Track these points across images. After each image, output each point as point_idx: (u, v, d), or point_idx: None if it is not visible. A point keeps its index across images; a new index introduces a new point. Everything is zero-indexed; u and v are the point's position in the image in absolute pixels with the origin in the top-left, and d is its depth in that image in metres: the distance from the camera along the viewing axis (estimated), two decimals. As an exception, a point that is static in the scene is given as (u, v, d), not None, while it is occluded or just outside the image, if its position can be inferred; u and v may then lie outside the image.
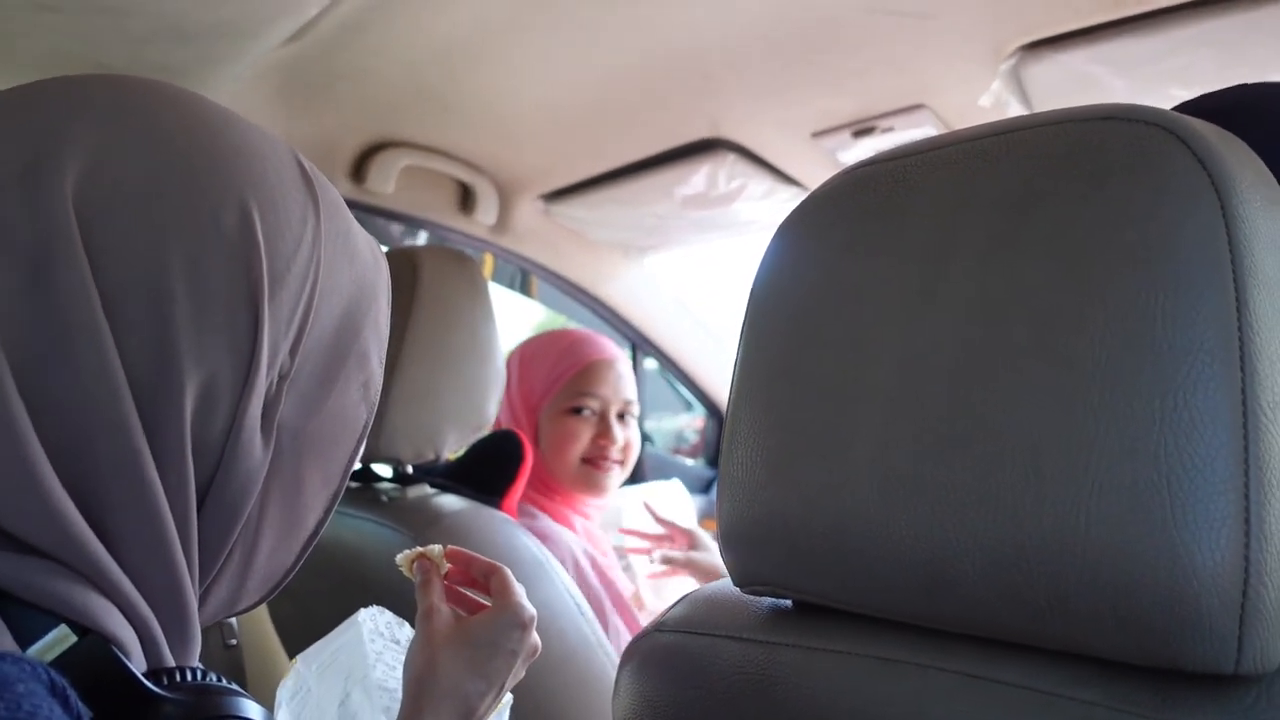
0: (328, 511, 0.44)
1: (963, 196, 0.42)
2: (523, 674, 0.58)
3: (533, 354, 1.34)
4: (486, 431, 1.14)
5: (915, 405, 0.41)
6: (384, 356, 0.45)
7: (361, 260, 0.43)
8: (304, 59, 1.04)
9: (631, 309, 1.75)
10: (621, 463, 1.31)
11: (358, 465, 0.55)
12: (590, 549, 1.24)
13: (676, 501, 1.46)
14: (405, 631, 0.69)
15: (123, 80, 0.39)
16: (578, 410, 1.29)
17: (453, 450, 1.11)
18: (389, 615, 0.69)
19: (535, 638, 0.59)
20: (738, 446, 0.49)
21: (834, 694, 0.45)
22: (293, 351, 0.39)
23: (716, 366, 1.89)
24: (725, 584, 0.55)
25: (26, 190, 0.34)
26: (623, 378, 1.32)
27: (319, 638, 0.95)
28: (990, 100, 0.97)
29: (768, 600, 0.52)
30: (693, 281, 1.85)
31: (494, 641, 0.56)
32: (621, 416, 1.32)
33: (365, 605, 1.09)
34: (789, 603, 0.51)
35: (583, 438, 1.28)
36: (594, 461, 1.29)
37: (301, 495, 0.42)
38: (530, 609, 0.59)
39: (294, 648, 1.25)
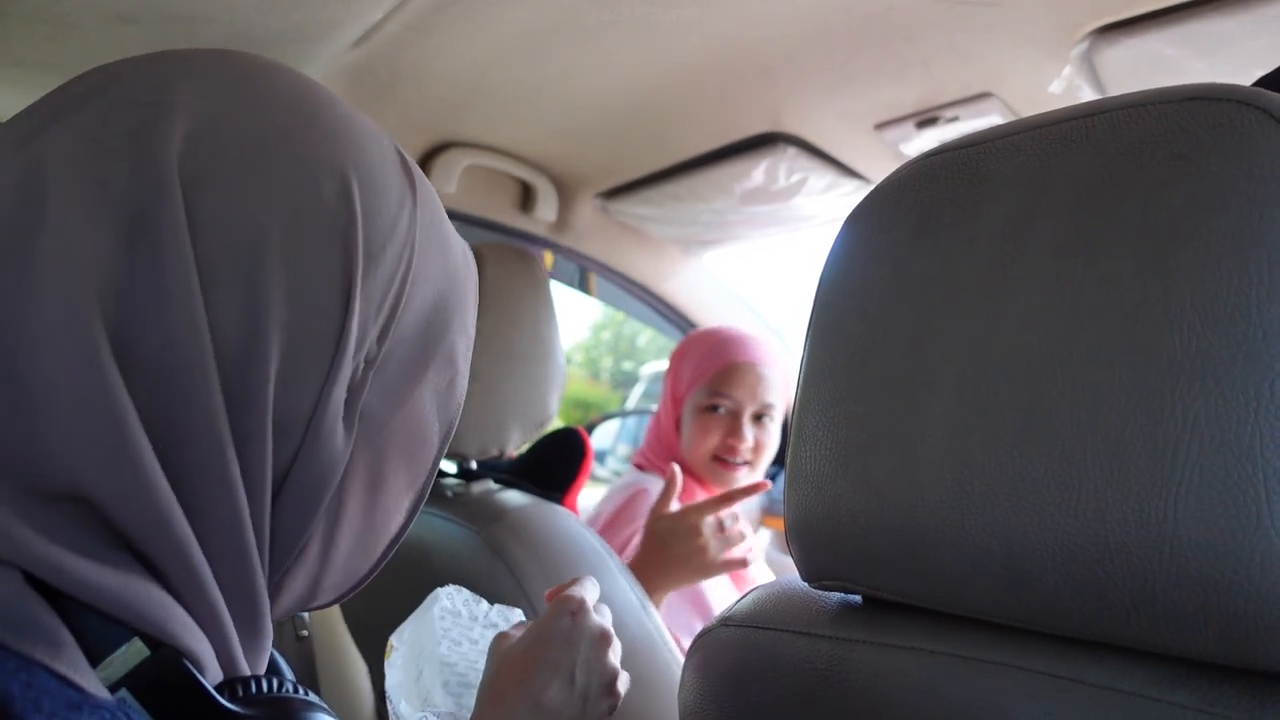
0: (411, 515, 0.43)
1: (1038, 184, 0.41)
2: (610, 658, 0.57)
3: (687, 348, 1.41)
4: (549, 428, 1.15)
5: (990, 399, 0.40)
6: (470, 359, 0.44)
7: (454, 254, 0.43)
8: (369, 62, 1.06)
9: (691, 306, 1.75)
10: (750, 464, 1.34)
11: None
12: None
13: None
14: (483, 607, 0.70)
15: (227, 52, 0.39)
16: (713, 408, 1.33)
17: (516, 446, 1.13)
18: (466, 593, 0.70)
19: (597, 621, 0.58)
20: (806, 441, 0.49)
21: (909, 692, 0.44)
22: (381, 338, 0.38)
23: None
24: (793, 579, 0.54)
25: (133, 151, 0.34)
26: (764, 380, 1.34)
27: (387, 631, 0.97)
28: (1062, 86, 0.94)
29: (837, 596, 0.51)
30: (752, 277, 1.84)
31: (543, 630, 0.57)
32: (759, 418, 1.35)
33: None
34: (859, 598, 0.50)
35: (714, 435, 1.33)
36: (723, 460, 1.33)
37: (384, 493, 0.41)
38: (578, 595, 0.59)
39: (361, 641, 1.28)
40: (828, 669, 0.48)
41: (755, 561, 1.16)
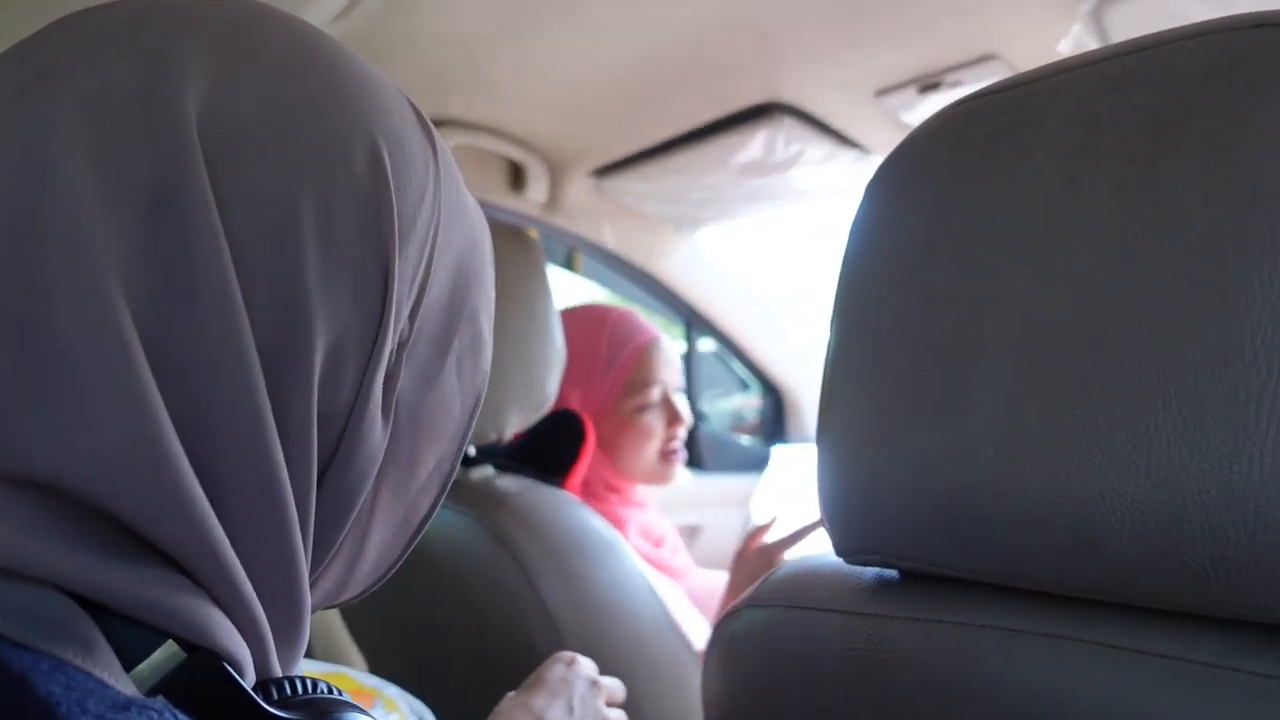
0: (440, 495, 0.40)
1: (1091, 124, 0.38)
2: (601, 704, 0.62)
3: (573, 362, 1.17)
4: (547, 411, 1.13)
5: (1047, 354, 0.37)
6: (492, 320, 0.41)
7: (470, 214, 0.39)
8: (353, 36, 1.02)
9: (685, 285, 1.72)
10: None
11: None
12: (645, 547, 1.19)
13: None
14: None
15: (234, 1, 0.34)
16: (645, 406, 1.20)
17: (514, 430, 1.10)
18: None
19: (590, 671, 0.63)
20: (838, 411, 0.46)
21: (955, 668, 0.41)
22: (411, 316, 0.35)
23: (772, 342, 1.85)
24: (824, 554, 0.52)
25: (145, 117, 0.29)
26: (669, 352, 1.24)
27: (382, 620, 0.94)
28: (1070, 45, 0.92)
29: (872, 571, 0.49)
30: (746, 257, 1.81)
31: (541, 673, 0.62)
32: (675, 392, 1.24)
33: (430, 587, 1.08)
34: (896, 573, 0.48)
35: (658, 430, 1.20)
36: (667, 454, 1.22)
37: (416, 478, 0.38)
38: (568, 652, 0.65)
39: (358, 632, 1.25)
40: (867, 648, 0.45)
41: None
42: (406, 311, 0.35)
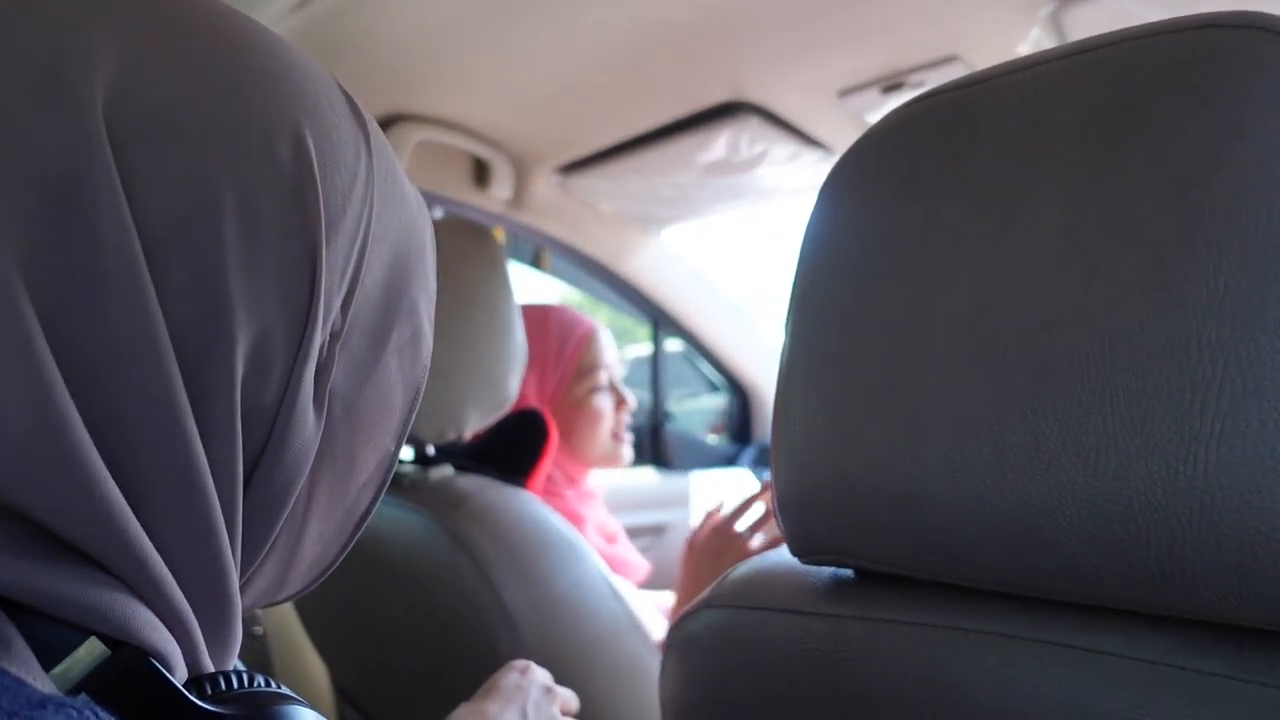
0: (380, 489, 0.39)
1: (1042, 123, 0.38)
2: (556, 710, 0.62)
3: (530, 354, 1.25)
4: (508, 410, 1.11)
5: (996, 352, 0.37)
6: (433, 312, 0.40)
7: (409, 204, 0.38)
8: (314, 27, 1.01)
9: (650, 284, 1.72)
10: None
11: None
12: (602, 545, 1.21)
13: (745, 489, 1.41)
14: None
15: None
16: (595, 388, 1.27)
17: (474, 429, 1.08)
18: None
19: (543, 678, 0.63)
20: (794, 408, 0.46)
21: (909, 668, 0.41)
22: (344, 308, 0.34)
23: (738, 341, 1.85)
24: (780, 555, 0.51)
25: (47, 102, 0.28)
26: (608, 339, 1.31)
27: (341, 625, 0.92)
28: (1029, 48, 0.92)
29: (828, 570, 0.49)
30: (710, 256, 1.81)
31: (496, 680, 0.62)
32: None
33: (388, 591, 1.07)
34: (851, 572, 0.48)
35: (607, 413, 1.27)
36: (618, 435, 1.29)
37: (354, 473, 0.37)
38: (521, 660, 0.65)
39: (316, 634, 1.23)
40: (822, 648, 0.45)
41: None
42: (338, 303, 0.34)
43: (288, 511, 0.34)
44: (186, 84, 0.30)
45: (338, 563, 0.40)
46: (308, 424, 0.33)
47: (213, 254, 0.30)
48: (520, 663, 0.64)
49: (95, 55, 0.29)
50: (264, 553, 0.34)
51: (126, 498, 0.28)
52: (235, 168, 0.30)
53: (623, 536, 1.31)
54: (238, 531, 0.32)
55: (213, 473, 0.30)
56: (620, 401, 1.30)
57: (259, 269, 0.31)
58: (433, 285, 0.40)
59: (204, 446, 0.30)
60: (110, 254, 0.28)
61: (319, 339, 0.33)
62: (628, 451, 1.31)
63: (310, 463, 0.34)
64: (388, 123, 1.27)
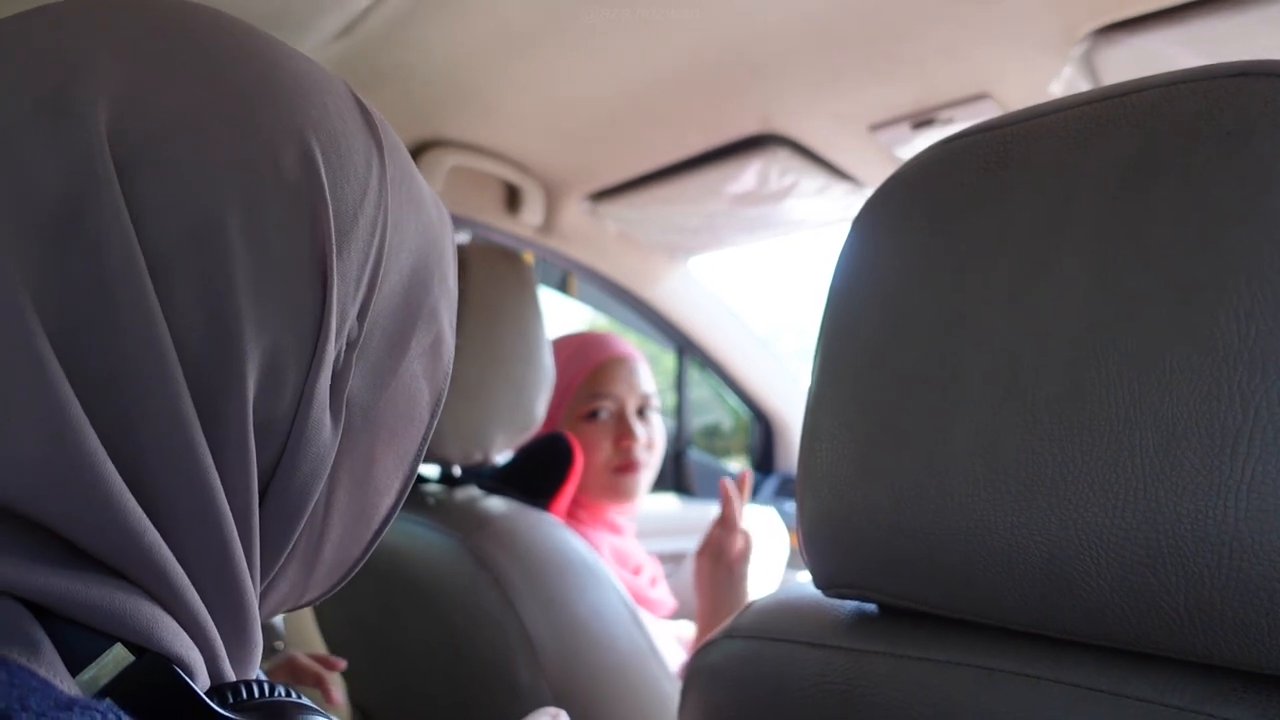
0: (401, 495, 0.40)
1: (1074, 166, 0.39)
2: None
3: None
4: (534, 433, 1.12)
5: (1025, 391, 0.37)
6: (455, 318, 0.40)
7: (427, 209, 0.38)
8: (353, 56, 1.03)
9: (677, 312, 1.72)
10: (647, 465, 1.24)
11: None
12: (621, 573, 1.18)
13: (770, 529, 1.34)
14: None
15: (153, 2, 0.33)
16: (594, 414, 1.22)
17: (501, 452, 1.09)
18: None
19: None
20: (821, 441, 0.46)
21: (930, 706, 0.41)
22: (361, 316, 0.34)
23: (763, 370, 1.85)
24: (804, 587, 0.52)
25: (50, 124, 0.29)
26: (637, 373, 1.25)
27: (362, 642, 0.92)
28: (1061, 87, 0.93)
29: (851, 604, 0.49)
30: (738, 286, 1.82)
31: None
32: (641, 412, 1.24)
33: (410, 609, 1.07)
34: (874, 607, 0.48)
35: (603, 444, 1.21)
36: (621, 468, 1.22)
37: (373, 479, 0.37)
38: (551, 708, 0.62)
39: (338, 650, 1.24)
40: (843, 682, 0.45)
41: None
42: (354, 312, 0.34)
43: (305, 519, 0.34)
44: (189, 101, 0.31)
45: (359, 567, 0.40)
46: (323, 433, 0.33)
47: (219, 270, 0.30)
48: (550, 710, 0.62)
49: (98, 75, 0.30)
50: (283, 559, 0.35)
51: (145, 511, 0.29)
52: (240, 183, 0.31)
53: (651, 570, 1.25)
54: (254, 542, 0.32)
55: (226, 485, 0.31)
56: (623, 434, 1.22)
57: (268, 283, 0.31)
58: (454, 289, 0.40)
59: (217, 459, 0.30)
60: (115, 273, 0.28)
61: (333, 349, 0.33)
62: (631, 485, 1.22)
63: (327, 470, 0.34)
64: (423, 148, 1.29)
